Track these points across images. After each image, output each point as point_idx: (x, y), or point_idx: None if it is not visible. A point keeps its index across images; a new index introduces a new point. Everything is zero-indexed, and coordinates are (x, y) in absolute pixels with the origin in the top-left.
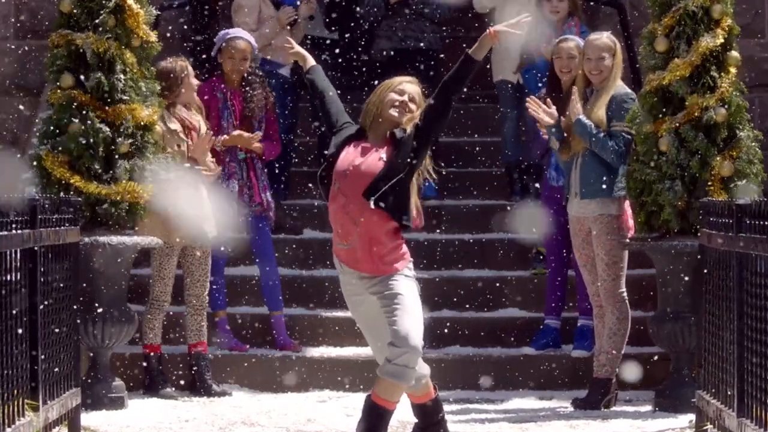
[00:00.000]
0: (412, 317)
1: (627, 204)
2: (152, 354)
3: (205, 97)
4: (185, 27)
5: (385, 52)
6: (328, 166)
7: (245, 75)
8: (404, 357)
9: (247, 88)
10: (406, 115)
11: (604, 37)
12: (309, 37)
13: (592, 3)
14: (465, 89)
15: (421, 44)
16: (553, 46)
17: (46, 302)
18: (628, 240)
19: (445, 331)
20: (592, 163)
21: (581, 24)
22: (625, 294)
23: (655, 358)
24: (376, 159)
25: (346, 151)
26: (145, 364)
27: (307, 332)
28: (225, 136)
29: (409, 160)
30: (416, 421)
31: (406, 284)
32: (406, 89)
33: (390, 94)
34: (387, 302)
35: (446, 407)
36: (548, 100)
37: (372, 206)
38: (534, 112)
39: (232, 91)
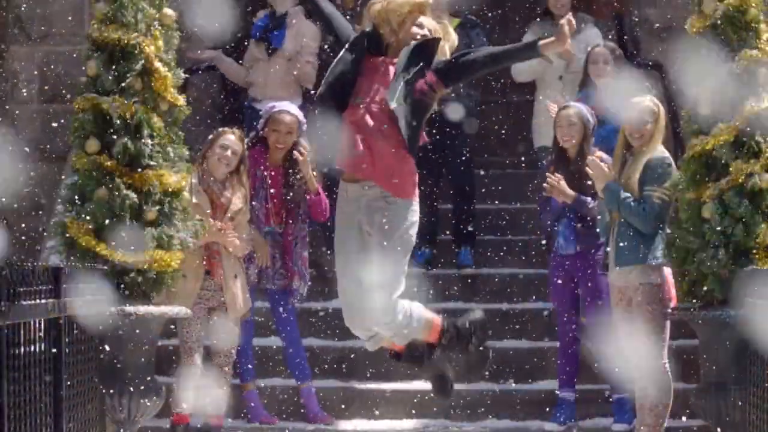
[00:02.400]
0: None
1: (669, 272)
2: (179, 425)
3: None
4: (214, 91)
5: None
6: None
7: (291, 152)
8: None
9: (291, 170)
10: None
11: (647, 101)
12: None
13: (634, 64)
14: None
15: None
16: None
17: (71, 374)
18: (670, 310)
19: (487, 402)
20: (626, 229)
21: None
22: (667, 365)
23: (695, 430)
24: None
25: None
26: None
27: (341, 405)
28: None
29: None
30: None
31: None
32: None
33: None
34: None
35: None
36: (556, 174)
37: None
38: (550, 194)
39: (273, 170)
